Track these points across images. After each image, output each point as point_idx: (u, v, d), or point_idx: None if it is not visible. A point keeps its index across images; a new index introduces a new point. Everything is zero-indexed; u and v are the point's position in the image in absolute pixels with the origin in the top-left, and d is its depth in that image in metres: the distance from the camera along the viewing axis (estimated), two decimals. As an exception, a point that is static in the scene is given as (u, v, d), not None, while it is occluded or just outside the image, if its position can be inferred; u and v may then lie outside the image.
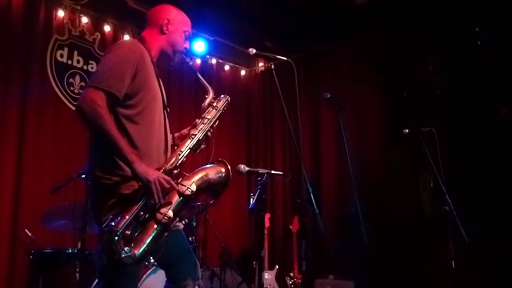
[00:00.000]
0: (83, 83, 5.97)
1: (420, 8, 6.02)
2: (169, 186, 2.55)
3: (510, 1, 5.31)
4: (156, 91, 2.82)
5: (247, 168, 3.51)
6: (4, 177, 5.25)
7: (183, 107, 6.89)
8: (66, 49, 5.96)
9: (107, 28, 6.34)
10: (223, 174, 2.88)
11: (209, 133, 2.94)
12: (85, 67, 6.09)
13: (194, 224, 5.24)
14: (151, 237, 2.50)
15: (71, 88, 5.93)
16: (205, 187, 2.79)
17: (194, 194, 2.68)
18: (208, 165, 2.89)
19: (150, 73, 2.78)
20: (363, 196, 3.94)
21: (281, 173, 4.34)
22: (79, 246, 4.41)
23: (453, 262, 3.69)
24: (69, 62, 5.99)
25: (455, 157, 5.30)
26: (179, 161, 2.71)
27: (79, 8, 6.06)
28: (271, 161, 7.76)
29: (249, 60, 8.17)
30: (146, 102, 2.71)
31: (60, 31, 5.93)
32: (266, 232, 6.12)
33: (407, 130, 4.10)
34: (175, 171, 2.68)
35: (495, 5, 5.49)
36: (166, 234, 2.57)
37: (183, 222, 4.97)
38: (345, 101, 6.57)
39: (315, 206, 3.04)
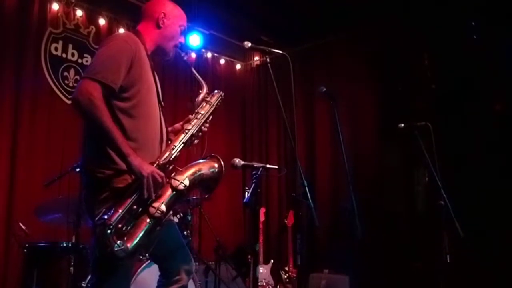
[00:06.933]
0: (77, 77, 5.94)
1: (416, 2, 6.01)
2: (162, 181, 2.54)
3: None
4: (151, 84, 2.81)
5: (242, 162, 3.50)
6: (-2, 171, 5.24)
7: (178, 101, 6.87)
8: (60, 42, 5.93)
9: (102, 22, 6.30)
10: (216, 170, 2.89)
11: (203, 128, 2.94)
12: (79, 61, 6.06)
13: (189, 218, 5.23)
14: (143, 231, 2.50)
15: (66, 82, 5.90)
16: (198, 182, 2.80)
17: (187, 189, 2.69)
18: (201, 160, 2.90)
19: (145, 66, 2.77)
20: (358, 190, 3.94)
21: (276, 167, 4.33)
22: (73, 240, 4.41)
23: (448, 256, 3.69)
24: (64, 55, 5.96)
25: (450, 151, 5.31)
26: (173, 156, 2.71)
27: (73, 1, 6.02)
28: (266, 155, 7.76)
29: (244, 54, 8.17)
30: (141, 95, 2.70)
31: (55, 24, 5.89)
32: (261, 226, 6.11)
33: (402, 125, 4.10)
34: (169, 166, 2.68)
35: (492, 0, 5.49)
36: (158, 228, 2.57)
37: (178, 216, 5.00)
38: (340, 95, 6.56)
39: (310, 200, 3.03)
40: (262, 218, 6.26)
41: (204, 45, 7.15)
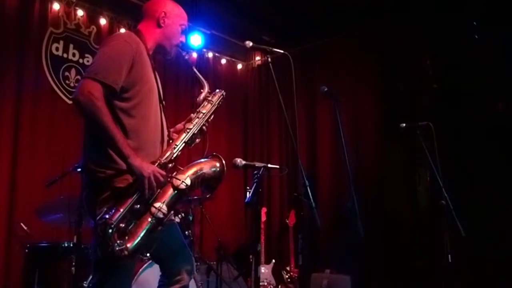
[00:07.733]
0: (78, 77, 5.93)
1: (416, 2, 6.00)
2: (164, 179, 2.54)
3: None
4: (152, 84, 2.80)
5: (243, 162, 3.50)
6: (-1, 171, 5.24)
7: (179, 101, 6.87)
8: (61, 42, 5.92)
9: (103, 21, 6.30)
10: (218, 169, 2.88)
11: (204, 127, 2.93)
12: (80, 61, 6.05)
13: (191, 218, 5.23)
14: (145, 231, 2.49)
15: (67, 82, 5.90)
16: (200, 181, 2.79)
17: (189, 188, 2.68)
18: (202, 160, 2.88)
19: (146, 66, 2.76)
20: (360, 190, 3.94)
21: (277, 167, 4.32)
22: (74, 240, 4.40)
23: (449, 256, 3.69)
24: (65, 55, 5.96)
25: (452, 151, 5.30)
26: (174, 155, 2.71)
27: (74, 1, 6.02)
28: (268, 155, 7.75)
29: (246, 54, 8.16)
30: (142, 95, 2.69)
31: (56, 24, 5.89)
32: (262, 226, 6.10)
33: (404, 124, 4.10)
34: (170, 165, 2.68)
35: (492, 0, 5.48)
36: (160, 228, 2.56)
37: (179, 216, 4.99)
38: (341, 95, 6.53)
39: (312, 200, 3.03)
40: (263, 218, 6.24)
41: (205, 45, 7.14)
